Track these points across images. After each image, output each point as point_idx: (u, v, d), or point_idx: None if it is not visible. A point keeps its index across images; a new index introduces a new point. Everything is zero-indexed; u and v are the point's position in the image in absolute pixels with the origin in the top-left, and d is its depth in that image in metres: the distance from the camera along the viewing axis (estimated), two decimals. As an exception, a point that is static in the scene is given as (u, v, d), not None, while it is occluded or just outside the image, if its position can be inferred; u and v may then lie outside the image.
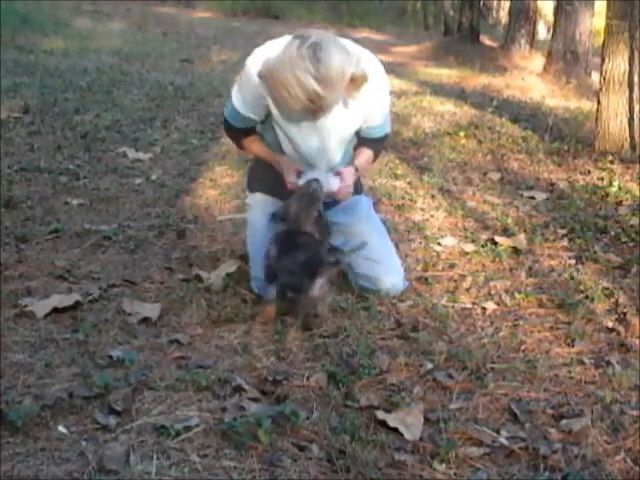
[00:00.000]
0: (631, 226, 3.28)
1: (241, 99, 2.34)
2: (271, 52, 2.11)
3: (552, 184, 4.09)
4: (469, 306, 2.42)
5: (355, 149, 2.45)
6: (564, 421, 1.77)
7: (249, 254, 2.46)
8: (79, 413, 1.68)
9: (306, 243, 2.21)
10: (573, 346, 2.18)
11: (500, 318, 2.35)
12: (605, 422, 1.77)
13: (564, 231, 3.20)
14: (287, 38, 2.12)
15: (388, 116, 2.43)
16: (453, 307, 2.40)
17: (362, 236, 2.44)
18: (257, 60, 2.18)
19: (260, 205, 2.48)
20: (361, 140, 2.43)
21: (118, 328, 2.13)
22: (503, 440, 1.69)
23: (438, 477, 1.56)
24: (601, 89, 4.86)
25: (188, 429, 1.63)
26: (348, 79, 2.06)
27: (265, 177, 2.47)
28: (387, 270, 2.44)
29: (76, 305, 2.23)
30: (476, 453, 1.64)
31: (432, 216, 3.40)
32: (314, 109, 2.07)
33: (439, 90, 7.58)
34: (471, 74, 9.31)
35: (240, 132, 2.45)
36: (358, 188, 2.56)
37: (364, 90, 2.18)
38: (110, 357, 1.94)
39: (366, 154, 2.43)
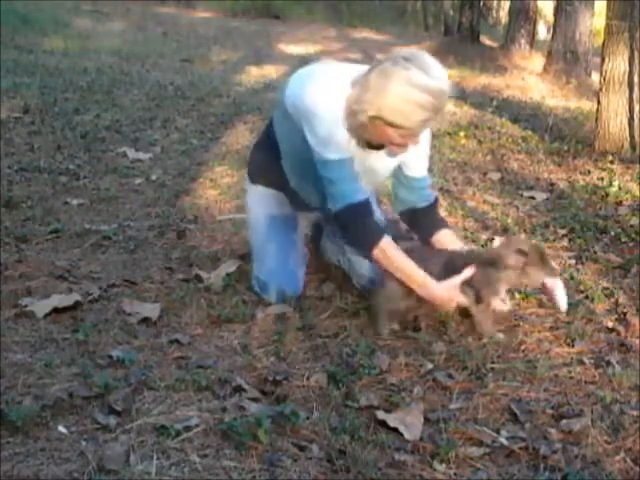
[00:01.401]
0: (631, 226, 3.28)
1: (332, 143, 2.11)
2: (334, 89, 2.09)
3: (552, 184, 4.09)
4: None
5: (432, 234, 2.31)
6: (564, 421, 1.77)
7: (253, 251, 2.46)
8: (79, 413, 1.68)
9: None
10: (573, 346, 2.18)
11: (500, 318, 2.35)
12: (605, 422, 1.77)
13: (564, 231, 3.20)
14: (335, 70, 2.17)
15: (429, 180, 2.39)
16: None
17: None
18: (329, 93, 2.11)
19: (263, 200, 2.45)
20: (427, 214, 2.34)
21: (118, 328, 2.13)
22: (503, 440, 1.69)
23: (438, 477, 1.56)
24: (601, 89, 4.86)
25: (188, 429, 1.63)
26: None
27: (267, 170, 2.43)
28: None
29: (76, 305, 2.23)
30: (476, 453, 1.64)
31: (432, 216, 3.39)
32: (433, 119, 2.02)
33: (439, 90, 7.56)
34: (471, 74, 9.31)
35: (372, 220, 2.16)
36: None
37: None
38: (110, 357, 1.94)
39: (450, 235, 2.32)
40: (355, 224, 2.16)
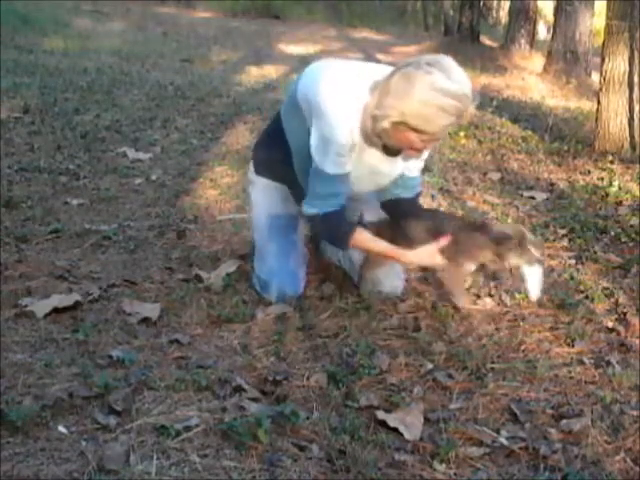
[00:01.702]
0: (631, 226, 3.28)
1: (338, 158, 2.11)
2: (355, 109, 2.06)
3: (552, 184, 4.09)
4: (469, 306, 2.42)
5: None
6: (564, 421, 1.77)
7: (255, 246, 2.46)
8: (79, 413, 1.68)
9: None
10: (573, 346, 2.18)
11: (500, 318, 2.35)
12: (605, 422, 1.77)
13: (564, 231, 3.20)
14: (348, 72, 2.14)
15: (420, 178, 2.40)
16: (453, 307, 2.40)
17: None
18: (340, 106, 2.07)
19: (266, 196, 2.44)
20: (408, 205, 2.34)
21: (118, 328, 2.13)
22: (503, 440, 1.69)
23: (438, 477, 1.56)
24: (601, 89, 4.86)
25: (188, 429, 1.63)
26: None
27: (273, 162, 2.40)
28: (389, 275, 2.43)
29: (76, 305, 2.23)
30: (476, 453, 1.64)
31: (432, 216, 3.39)
32: (456, 123, 2.01)
33: (439, 90, 7.56)
34: (471, 74, 9.23)
35: (344, 223, 2.21)
36: None
37: None
38: (110, 357, 1.94)
39: None
40: (328, 229, 2.26)
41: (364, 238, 2.23)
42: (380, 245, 2.23)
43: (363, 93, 2.07)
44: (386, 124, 2.02)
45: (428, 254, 2.21)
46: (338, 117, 2.06)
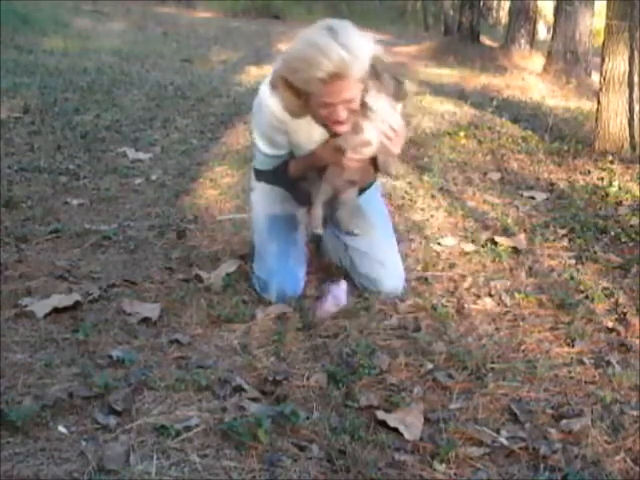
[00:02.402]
0: (631, 226, 3.28)
1: (266, 139, 2.25)
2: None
3: (552, 184, 4.08)
4: (469, 306, 2.42)
5: None
6: (564, 421, 1.77)
7: (255, 250, 2.46)
8: (79, 413, 1.68)
9: None
10: (573, 346, 2.18)
11: (500, 318, 2.35)
12: (605, 422, 1.77)
13: (564, 231, 3.20)
14: None
15: None
16: (453, 307, 2.40)
17: (369, 232, 2.43)
18: (265, 90, 2.17)
19: (266, 198, 2.45)
20: None
21: (118, 328, 2.13)
22: (503, 440, 1.69)
23: (438, 477, 1.56)
24: (601, 89, 4.86)
25: (188, 429, 1.63)
26: (369, 57, 2.03)
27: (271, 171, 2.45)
28: (390, 273, 2.44)
29: (76, 305, 2.23)
30: (476, 453, 1.64)
31: (432, 216, 3.40)
32: (340, 79, 1.98)
33: (439, 90, 7.58)
34: (471, 74, 9.32)
35: (281, 167, 2.33)
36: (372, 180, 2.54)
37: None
38: (110, 357, 1.94)
39: None
40: (272, 178, 2.37)
41: (291, 164, 2.30)
42: (298, 163, 2.28)
43: None
44: (277, 83, 2.09)
45: (331, 145, 2.18)
46: (260, 100, 2.18)
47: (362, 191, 2.41)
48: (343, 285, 2.38)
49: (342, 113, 2.07)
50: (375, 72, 2.07)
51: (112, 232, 2.90)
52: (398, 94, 2.17)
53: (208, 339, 2.11)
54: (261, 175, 2.41)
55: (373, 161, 2.22)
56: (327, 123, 2.15)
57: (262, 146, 2.28)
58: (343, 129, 2.12)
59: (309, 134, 2.22)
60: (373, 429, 1.70)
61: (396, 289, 2.44)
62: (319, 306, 2.30)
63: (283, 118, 2.17)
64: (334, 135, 2.17)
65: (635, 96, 4.72)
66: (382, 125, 2.10)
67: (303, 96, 2.09)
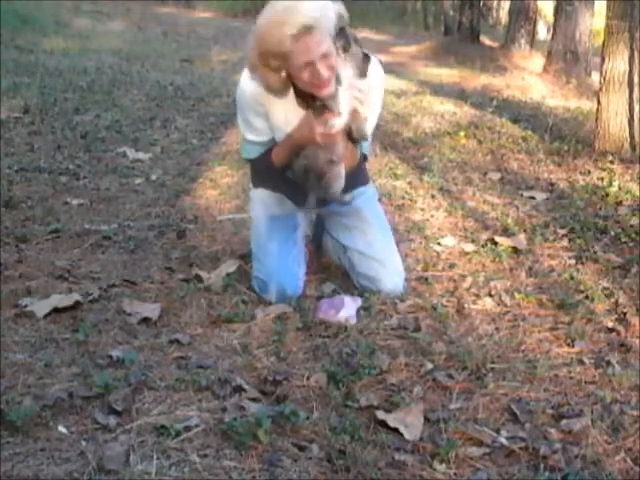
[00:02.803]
0: (631, 226, 3.28)
1: (249, 127, 2.30)
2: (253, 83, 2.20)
3: (552, 184, 4.08)
4: (469, 306, 2.42)
5: None
6: (564, 421, 1.77)
7: (253, 251, 2.46)
8: (79, 413, 1.68)
9: None
10: (573, 346, 2.18)
11: (500, 318, 2.35)
12: (605, 422, 1.77)
13: (564, 231, 3.20)
14: None
15: (370, 138, 2.39)
16: (453, 307, 2.40)
17: (367, 232, 2.44)
18: (244, 76, 2.23)
19: (264, 202, 2.47)
20: None
21: (118, 328, 2.13)
22: (503, 440, 1.69)
23: (438, 477, 1.56)
24: (601, 89, 4.85)
25: (188, 429, 1.63)
26: (334, 20, 2.07)
27: (268, 175, 2.46)
28: (389, 272, 2.44)
29: (76, 305, 2.23)
30: (476, 453, 1.64)
31: (432, 216, 3.40)
32: (310, 32, 2.02)
33: (439, 90, 7.58)
34: (471, 74, 9.32)
35: (262, 156, 2.35)
36: (364, 180, 2.55)
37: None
38: (110, 357, 1.94)
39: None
40: (258, 166, 2.39)
41: (272, 153, 2.30)
42: (278, 150, 2.29)
43: None
44: (254, 63, 2.13)
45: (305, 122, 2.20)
46: (240, 87, 2.25)
47: (353, 185, 2.42)
48: (359, 301, 2.35)
49: (323, 71, 2.08)
50: (343, 38, 2.12)
51: (112, 232, 2.90)
52: (362, 68, 2.20)
53: (208, 339, 2.11)
54: (256, 177, 2.46)
55: (349, 136, 2.24)
56: (312, 91, 2.15)
57: (245, 132, 2.33)
58: (328, 91, 2.13)
59: (286, 116, 2.24)
60: (373, 429, 1.70)
61: (396, 287, 2.44)
62: (325, 310, 2.28)
63: (262, 101, 2.21)
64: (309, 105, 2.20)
65: (635, 96, 4.72)
66: (351, 91, 2.15)
67: (282, 69, 2.11)
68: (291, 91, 2.20)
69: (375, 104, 2.32)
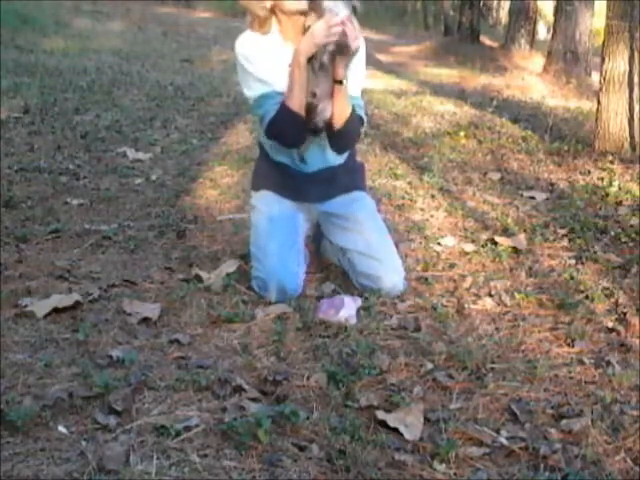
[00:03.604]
0: (631, 226, 3.28)
1: (250, 83, 2.36)
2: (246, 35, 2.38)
3: (552, 184, 4.08)
4: (469, 306, 2.42)
5: None
6: (564, 421, 1.77)
7: (252, 253, 2.46)
8: (79, 413, 1.68)
9: None
10: (573, 346, 2.18)
11: (500, 318, 2.35)
12: (605, 422, 1.77)
13: (564, 231, 3.20)
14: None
15: (362, 102, 2.44)
16: (453, 307, 2.40)
17: (364, 233, 2.45)
18: (239, 43, 2.38)
19: (265, 203, 2.47)
20: None
21: (118, 328, 2.13)
22: (503, 440, 1.69)
23: (438, 477, 1.56)
24: (601, 89, 4.85)
25: (188, 429, 1.63)
26: None
27: (269, 175, 2.47)
28: (388, 270, 2.44)
29: (76, 305, 2.23)
30: (476, 453, 1.64)
31: (432, 216, 3.40)
32: None
33: (439, 90, 7.58)
34: (471, 74, 9.33)
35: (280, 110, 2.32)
36: (361, 185, 2.57)
37: None
38: (110, 357, 1.94)
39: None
40: (281, 130, 2.35)
41: (286, 98, 2.29)
42: (290, 86, 2.28)
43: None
44: (265, 11, 2.29)
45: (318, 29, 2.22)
46: (240, 50, 2.38)
47: (353, 184, 2.51)
48: (359, 301, 2.35)
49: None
50: None
51: (112, 232, 2.90)
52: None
53: (208, 339, 2.11)
54: (283, 136, 2.37)
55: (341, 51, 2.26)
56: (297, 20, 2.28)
57: (251, 92, 2.36)
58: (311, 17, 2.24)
59: (280, 59, 2.31)
60: (373, 429, 1.70)
61: (395, 286, 2.44)
62: (325, 310, 2.28)
63: (253, 52, 2.33)
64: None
65: (635, 96, 4.72)
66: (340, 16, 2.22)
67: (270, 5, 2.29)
68: (275, 39, 2.34)
69: (361, 61, 2.37)
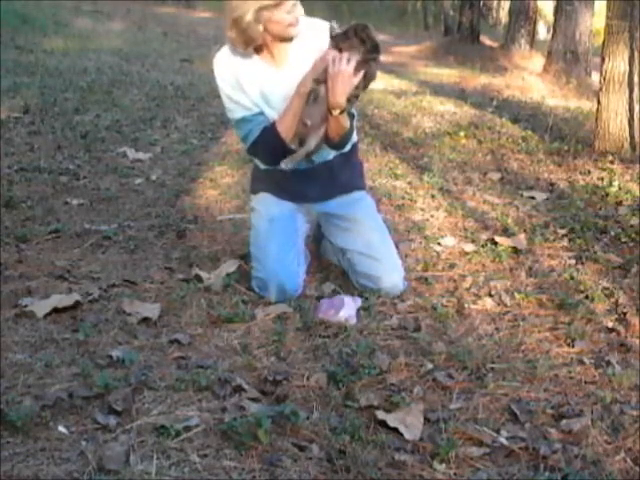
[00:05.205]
0: (631, 226, 3.28)
1: (233, 103, 2.34)
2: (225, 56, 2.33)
3: (552, 184, 4.08)
4: (469, 306, 2.42)
5: None
6: (564, 421, 1.77)
7: (252, 254, 2.46)
8: (79, 413, 1.68)
9: None
10: (573, 346, 2.18)
11: (500, 318, 2.35)
12: (605, 422, 1.77)
13: (564, 231, 3.20)
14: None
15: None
16: (453, 307, 2.40)
17: (364, 234, 2.45)
18: (219, 62, 2.33)
19: (264, 205, 2.48)
20: None
21: (118, 328, 2.13)
22: (503, 440, 1.69)
23: (438, 477, 1.56)
24: (601, 89, 4.85)
25: (188, 429, 1.63)
26: None
27: (267, 178, 2.47)
28: (388, 269, 2.44)
29: (76, 305, 2.23)
30: (476, 453, 1.64)
31: (432, 216, 3.40)
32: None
33: (439, 90, 7.58)
34: (471, 74, 9.32)
35: (265, 132, 2.34)
36: (361, 184, 2.57)
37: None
38: (110, 357, 1.94)
39: None
40: (263, 146, 2.36)
41: (278, 123, 2.30)
42: (287, 112, 2.28)
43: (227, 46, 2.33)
44: (250, 18, 2.19)
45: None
46: (221, 78, 2.33)
47: (352, 183, 2.50)
48: (359, 302, 2.35)
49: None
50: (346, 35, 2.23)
51: (112, 232, 2.90)
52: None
53: (208, 339, 2.11)
54: (265, 158, 2.40)
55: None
56: (286, 33, 2.25)
57: (230, 114, 2.38)
58: (296, 29, 2.27)
59: (261, 84, 2.30)
60: (373, 429, 1.70)
61: (395, 286, 2.44)
62: (325, 310, 2.28)
63: (234, 75, 2.30)
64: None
65: (635, 96, 4.72)
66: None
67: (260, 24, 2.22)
68: (256, 61, 2.30)
69: None
